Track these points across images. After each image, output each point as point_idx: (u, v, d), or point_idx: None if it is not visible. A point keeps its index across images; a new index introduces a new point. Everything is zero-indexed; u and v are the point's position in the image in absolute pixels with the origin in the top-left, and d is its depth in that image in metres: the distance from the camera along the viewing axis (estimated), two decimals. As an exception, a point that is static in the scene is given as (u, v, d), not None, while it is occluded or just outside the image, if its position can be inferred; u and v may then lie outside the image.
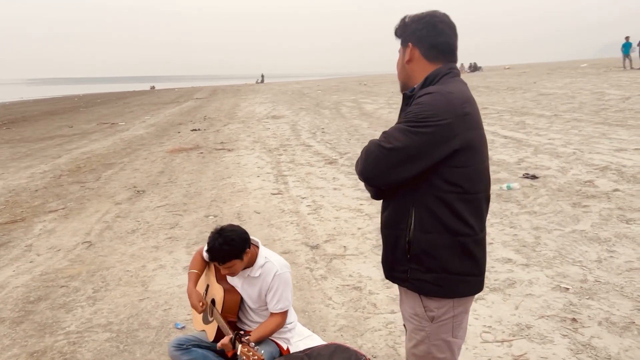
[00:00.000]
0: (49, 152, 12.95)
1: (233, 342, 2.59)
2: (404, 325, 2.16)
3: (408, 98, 1.88)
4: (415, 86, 1.88)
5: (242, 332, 2.67)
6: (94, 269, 4.95)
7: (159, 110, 24.37)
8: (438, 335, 1.86)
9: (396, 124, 1.82)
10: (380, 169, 1.75)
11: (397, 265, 1.88)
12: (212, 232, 2.71)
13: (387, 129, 1.81)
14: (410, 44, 1.90)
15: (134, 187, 8.42)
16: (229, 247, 2.63)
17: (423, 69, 1.88)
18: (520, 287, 4.03)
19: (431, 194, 1.75)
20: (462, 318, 1.89)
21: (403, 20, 1.96)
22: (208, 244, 2.71)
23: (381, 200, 1.97)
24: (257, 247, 2.88)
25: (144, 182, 8.79)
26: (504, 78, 28.05)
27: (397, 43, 2.02)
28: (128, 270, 4.87)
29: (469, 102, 1.79)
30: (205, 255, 3.05)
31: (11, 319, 4.00)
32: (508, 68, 44.35)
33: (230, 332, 2.67)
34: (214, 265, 3.07)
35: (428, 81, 1.84)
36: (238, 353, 2.54)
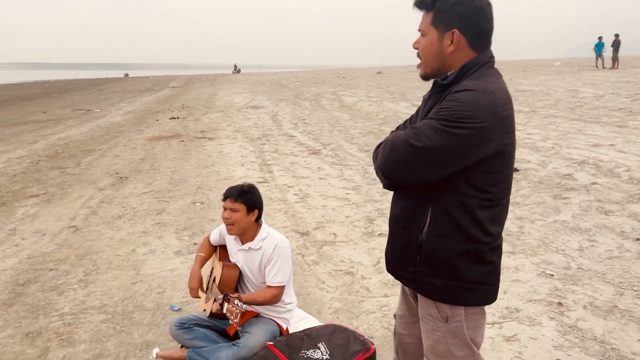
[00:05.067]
0: (24, 137, 12.65)
1: (222, 304, 2.65)
2: (394, 316, 2.10)
3: (440, 87, 1.67)
4: (449, 73, 1.67)
5: (231, 295, 2.70)
6: (82, 253, 4.91)
7: (134, 98, 23.97)
8: (455, 335, 1.71)
9: (427, 118, 1.61)
10: (405, 168, 1.59)
11: (404, 264, 1.74)
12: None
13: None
14: (456, 30, 1.63)
15: (116, 173, 8.31)
16: (248, 192, 2.86)
17: (466, 58, 1.66)
18: (507, 273, 4.16)
19: (453, 198, 1.60)
20: (480, 319, 1.75)
21: None
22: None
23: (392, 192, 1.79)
24: (260, 224, 2.96)
25: (126, 168, 8.68)
26: (480, 74, 28.35)
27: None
28: (118, 255, 4.84)
29: (509, 103, 1.62)
30: (212, 238, 3.10)
31: (2, 301, 3.95)
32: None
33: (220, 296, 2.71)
34: (219, 248, 3.12)
35: (464, 70, 1.64)
36: (224, 311, 2.61)
